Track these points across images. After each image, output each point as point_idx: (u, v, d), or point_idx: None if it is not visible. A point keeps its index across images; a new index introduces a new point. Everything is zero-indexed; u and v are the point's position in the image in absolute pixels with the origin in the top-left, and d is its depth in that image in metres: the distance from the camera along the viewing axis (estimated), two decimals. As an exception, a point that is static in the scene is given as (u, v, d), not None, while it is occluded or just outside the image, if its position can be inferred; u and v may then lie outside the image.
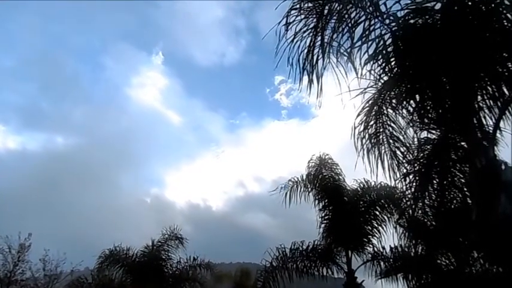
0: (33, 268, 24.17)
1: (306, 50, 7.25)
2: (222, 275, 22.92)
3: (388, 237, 14.66)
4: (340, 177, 15.68)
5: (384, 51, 7.18)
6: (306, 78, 7.41)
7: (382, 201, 14.76)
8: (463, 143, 8.23)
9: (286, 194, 15.37)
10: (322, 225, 15.25)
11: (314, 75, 7.32)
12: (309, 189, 15.35)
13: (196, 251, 20.52)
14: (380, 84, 8.12)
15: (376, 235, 14.92)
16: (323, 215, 15.30)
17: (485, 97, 7.21)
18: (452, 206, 9.64)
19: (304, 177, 15.60)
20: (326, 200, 15.28)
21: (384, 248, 15.07)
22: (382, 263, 15.24)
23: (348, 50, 7.13)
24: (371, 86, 8.31)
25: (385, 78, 7.83)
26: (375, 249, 15.19)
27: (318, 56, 7.21)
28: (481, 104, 7.28)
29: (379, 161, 9.04)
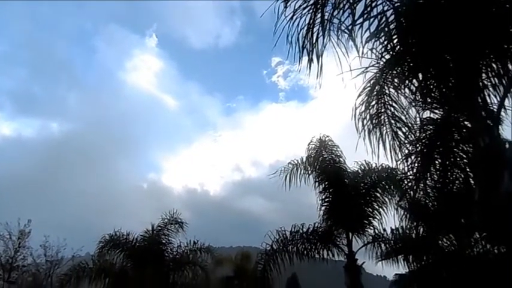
0: (34, 254, 24.44)
1: (305, 28, 7.03)
2: (222, 258, 23.03)
3: (389, 219, 14.63)
4: (341, 159, 15.58)
5: (386, 29, 6.96)
6: (305, 59, 7.22)
7: (383, 182, 14.67)
8: (466, 123, 8.08)
9: (286, 177, 15.25)
10: (323, 208, 15.20)
11: (314, 54, 7.13)
12: (309, 172, 15.23)
13: (195, 236, 20.64)
14: (382, 63, 7.92)
15: (377, 217, 14.90)
16: (323, 197, 15.23)
17: (490, 75, 7.05)
18: (455, 187, 9.51)
19: (304, 159, 15.47)
20: (326, 183, 15.17)
21: (384, 230, 15.10)
22: (382, 245, 15.25)
23: (349, 28, 6.89)
24: (372, 65, 8.11)
25: (387, 56, 7.64)
26: (376, 231, 15.22)
27: (318, 33, 6.99)
28: (485, 82, 7.12)
29: (380, 142, 8.91)
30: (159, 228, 20.15)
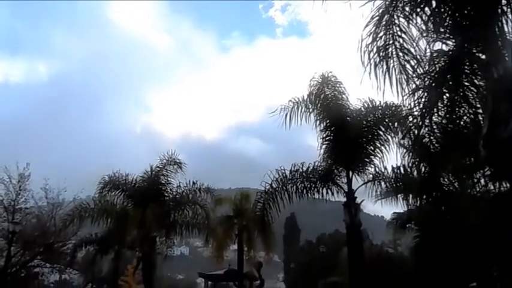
0: (35, 196, 24.62)
1: None
2: (221, 198, 23.21)
3: (391, 156, 14.41)
4: (344, 96, 15.12)
5: None
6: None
7: (387, 120, 14.31)
8: (479, 54, 7.67)
9: (286, 115, 14.86)
10: (323, 147, 15.00)
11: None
12: (310, 110, 14.87)
13: (194, 177, 20.69)
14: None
15: (378, 155, 14.67)
16: (324, 135, 14.99)
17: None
18: (461, 123, 9.22)
19: (305, 97, 15.00)
20: (328, 121, 14.84)
21: (385, 168, 14.91)
22: (383, 183, 15.19)
23: None
24: (382, -9, 7.57)
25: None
26: (377, 169, 15.06)
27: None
28: (504, 9, 6.65)
29: (386, 76, 8.43)
30: (158, 169, 20.18)
